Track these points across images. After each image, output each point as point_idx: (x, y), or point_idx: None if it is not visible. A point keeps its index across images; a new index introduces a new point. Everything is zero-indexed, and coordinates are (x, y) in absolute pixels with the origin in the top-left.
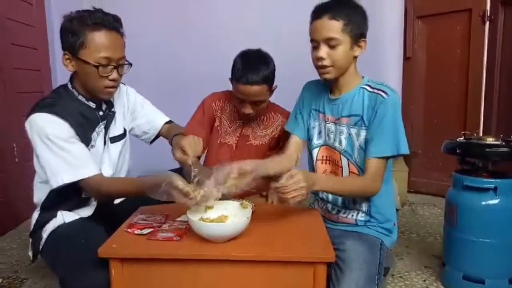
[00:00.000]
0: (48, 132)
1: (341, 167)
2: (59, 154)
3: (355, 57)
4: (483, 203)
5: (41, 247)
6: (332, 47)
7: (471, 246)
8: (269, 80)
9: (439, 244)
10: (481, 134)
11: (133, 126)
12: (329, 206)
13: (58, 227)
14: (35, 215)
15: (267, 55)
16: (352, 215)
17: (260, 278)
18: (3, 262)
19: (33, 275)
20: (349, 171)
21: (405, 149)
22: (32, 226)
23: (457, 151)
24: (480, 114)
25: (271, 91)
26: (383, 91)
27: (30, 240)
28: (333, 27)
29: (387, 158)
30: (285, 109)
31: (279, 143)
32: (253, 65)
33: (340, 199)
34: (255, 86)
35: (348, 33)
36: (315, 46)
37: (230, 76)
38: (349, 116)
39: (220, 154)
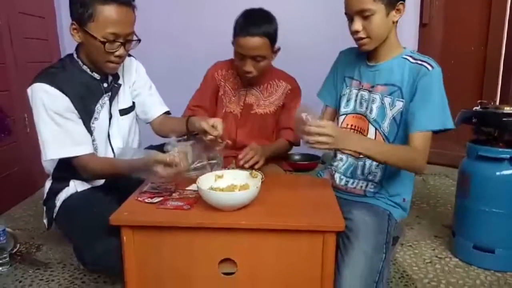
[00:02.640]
0: (46, 103)
1: (367, 135)
2: (52, 127)
3: (394, 22)
4: (498, 173)
5: (54, 215)
6: (366, 18)
7: (482, 216)
8: (270, 35)
9: (449, 214)
10: (497, 103)
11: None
12: (338, 176)
13: (71, 195)
14: (48, 184)
15: (269, 12)
16: (361, 186)
17: (269, 247)
18: (20, 228)
19: (49, 242)
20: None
21: (451, 124)
22: (45, 195)
23: (473, 120)
24: (498, 82)
25: (273, 50)
26: (427, 63)
27: (44, 208)
28: None
29: (433, 132)
30: (290, 75)
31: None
32: (254, 19)
33: (350, 169)
34: (256, 38)
35: (381, 0)
36: (350, 19)
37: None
38: (385, 84)
39: (225, 124)
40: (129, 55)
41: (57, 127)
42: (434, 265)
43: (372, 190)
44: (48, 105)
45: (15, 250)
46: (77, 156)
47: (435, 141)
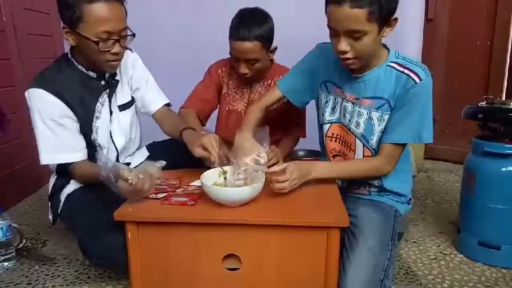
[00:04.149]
0: (41, 110)
1: (354, 151)
2: (45, 133)
3: (385, 36)
4: (503, 169)
5: (59, 210)
6: (356, 38)
7: (488, 212)
8: (263, 38)
9: (454, 210)
10: (503, 98)
11: (134, 97)
12: (339, 181)
13: (74, 191)
14: (52, 179)
15: (264, 13)
16: (365, 187)
17: (273, 243)
18: (25, 224)
19: (54, 237)
20: (363, 155)
21: (428, 138)
22: (50, 190)
23: (479, 116)
24: (504, 77)
25: (268, 50)
26: (414, 73)
27: (49, 203)
28: (357, 17)
29: (405, 144)
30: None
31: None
32: (246, 22)
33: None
34: (246, 43)
35: (375, 20)
36: (334, 35)
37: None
38: (372, 98)
39: (229, 121)
40: (126, 48)
41: (51, 134)
42: (439, 261)
43: (376, 190)
44: (44, 112)
45: (21, 245)
46: (69, 163)
47: (440, 137)
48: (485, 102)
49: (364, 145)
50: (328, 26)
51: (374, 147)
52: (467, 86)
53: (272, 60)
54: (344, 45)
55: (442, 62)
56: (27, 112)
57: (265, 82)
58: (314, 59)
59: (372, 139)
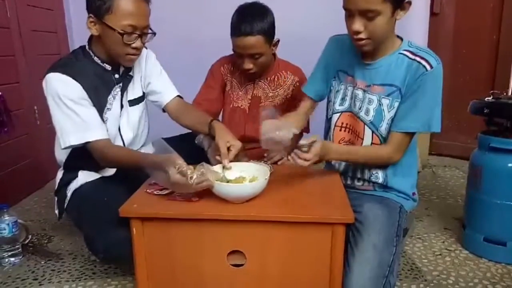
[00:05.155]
0: (59, 91)
1: (363, 138)
2: (68, 114)
3: (398, 19)
4: (510, 165)
5: (65, 205)
6: (370, 18)
7: (494, 208)
8: (265, 32)
9: (459, 206)
10: (510, 93)
11: (147, 92)
12: (343, 176)
13: (81, 186)
14: (59, 174)
15: (263, 7)
16: (369, 183)
17: (278, 239)
18: (31, 220)
19: (60, 232)
20: (372, 143)
21: (437, 127)
22: (56, 185)
23: (485, 111)
24: (510, 72)
25: (271, 44)
26: (426, 61)
27: (56, 198)
28: None
29: (414, 132)
30: (297, 67)
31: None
32: (247, 16)
33: (351, 171)
34: (249, 37)
35: (389, 0)
36: (350, 15)
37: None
38: (382, 85)
39: (233, 119)
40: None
41: (72, 114)
42: (444, 257)
43: (380, 187)
44: (63, 92)
45: (27, 241)
46: (94, 142)
47: (445, 133)
48: (491, 97)
49: (373, 132)
50: (344, 7)
51: (383, 135)
52: (473, 81)
53: (274, 55)
54: (358, 25)
55: (447, 57)
56: (33, 108)
57: (269, 78)
58: (328, 52)
59: (381, 126)
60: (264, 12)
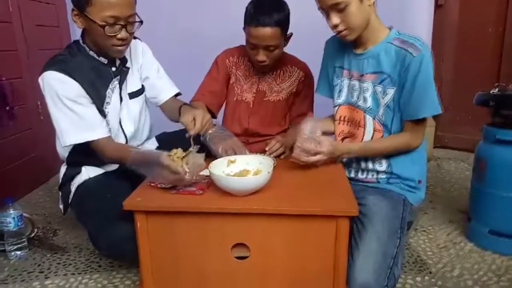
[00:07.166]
0: (58, 91)
1: (364, 127)
2: (67, 114)
3: (371, 5)
4: None
5: (70, 200)
6: (341, 10)
7: (499, 201)
8: (282, 24)
9: (464, 199)
10: None
11: (144, 85)
12: (346, 169)
13: (85, 181)
14: (63, 169)
15: None
16: (373, 175)
17: (282, 232)
18: (37, 213)
19: (65, 226)
20: (374, 129)
21: (438, 108)
22: (60, 180)
23: (491, 103)
24: None
25: (285, 38)
26: (413, 47)
27: (60, 193)
28: None
29: (425, 118)
30: (301, 61)
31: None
32: (265, 7)
33: (354, 163)
34: (267, 28)
35: None
36: (326, 14)
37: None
38: (374, 72)
39: (237, 112)
40: (135, 38)
41: (71, 113)
42: (449, 250)
43: (384, 176)
44: (60, 91)
45: (32, 234)
46: (94, 141)
47: (450, 125)
48: (496, 90)
49: (374, 118)
50: (318, 9)
51: (383, 121)
52: (478, 73)
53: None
54: (334, 19)
55: (452, 49)
56: (36, 103)
57: (275, 72)
58: (326, 53)
59: (379, 112)
60: (281, 4)
